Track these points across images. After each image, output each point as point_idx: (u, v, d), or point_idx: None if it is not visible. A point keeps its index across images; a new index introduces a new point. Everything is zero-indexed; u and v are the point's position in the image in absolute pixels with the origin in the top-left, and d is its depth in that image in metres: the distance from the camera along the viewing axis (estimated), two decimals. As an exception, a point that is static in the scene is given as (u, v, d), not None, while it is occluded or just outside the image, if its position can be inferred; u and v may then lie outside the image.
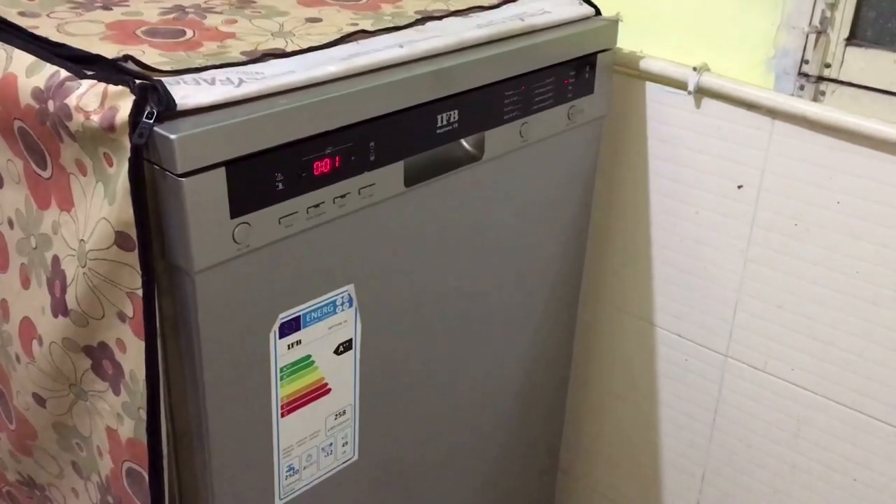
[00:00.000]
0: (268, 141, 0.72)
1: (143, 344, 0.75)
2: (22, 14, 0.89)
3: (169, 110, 0.67)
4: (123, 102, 0.68)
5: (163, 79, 0.71)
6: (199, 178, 0.68)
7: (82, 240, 0.76)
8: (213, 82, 0.72)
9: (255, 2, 1.02)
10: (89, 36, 0.84)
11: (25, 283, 0.87)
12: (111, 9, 0.95)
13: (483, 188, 0.97)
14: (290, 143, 0.74)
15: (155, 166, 0.68)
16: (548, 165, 1.05)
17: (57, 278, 0.81)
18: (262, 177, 0.72)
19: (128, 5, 0.96)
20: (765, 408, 1.16)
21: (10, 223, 0.87)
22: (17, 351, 0.90)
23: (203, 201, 0.69)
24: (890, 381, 1.04)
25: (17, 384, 0.92)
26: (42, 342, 0.86)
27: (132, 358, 0.78)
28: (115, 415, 0.83)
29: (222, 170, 0.69)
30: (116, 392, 0.82)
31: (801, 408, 1.13)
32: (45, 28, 0.85)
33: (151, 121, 0.66)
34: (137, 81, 0.68)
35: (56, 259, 0.81)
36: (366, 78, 0.80)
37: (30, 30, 0.82)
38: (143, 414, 0.79)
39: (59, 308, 0.82)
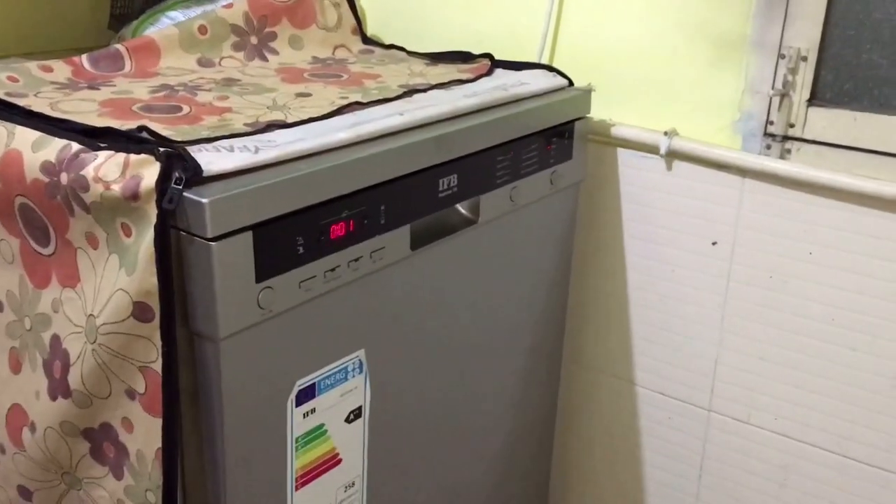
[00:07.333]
0: (291, 204, 0.72)
1: (154, 420, 0.73)
2: (9, 94, 0.88)
3: (196, 176, 0.67)
4: (147, 170, 0.67)
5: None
6: (228, 242, 0.67)
7: (91, 315, 0.74)
8: (231, 149, 0.73)
9: (240, 80, 1.03)
10: (85, 113, 0.84)
11: (16, 368, 0.84)
12: (98, 88, 0.94)
13: (477, 251, 0.99)
14: (311, 207, 0.74)
15: (182, 232, 0.67)
16: (533, 229, 1.08)
17: (56, 359, 0.78)
18: (285, 240, 0.72)
19: (114, 85, 0.96)
20: (751, 459, 1.18)
21: (0, 306, 0.84)
22: (2, 441, 0.86)
23: (231, 266, 0.68)
24: (872, 423, 1.08)
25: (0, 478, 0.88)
26: (35, 429, 0.82)
27: (140, 437, 0.75)
28: (116, 501, 0.79)
29: (249, 233, 0.69)
30: (118, 476, 0.79)
31: (787, 456, 1.15)
32: (38, 106, 0.84)
33: (181, 186, 0.66)
34: (162, 149, 0.68)
35: (56, 338, 0.78)
36: (373, 144, 0.82)
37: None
38: (152, 496, 0.75)
39: (59, 390, 0.78)
